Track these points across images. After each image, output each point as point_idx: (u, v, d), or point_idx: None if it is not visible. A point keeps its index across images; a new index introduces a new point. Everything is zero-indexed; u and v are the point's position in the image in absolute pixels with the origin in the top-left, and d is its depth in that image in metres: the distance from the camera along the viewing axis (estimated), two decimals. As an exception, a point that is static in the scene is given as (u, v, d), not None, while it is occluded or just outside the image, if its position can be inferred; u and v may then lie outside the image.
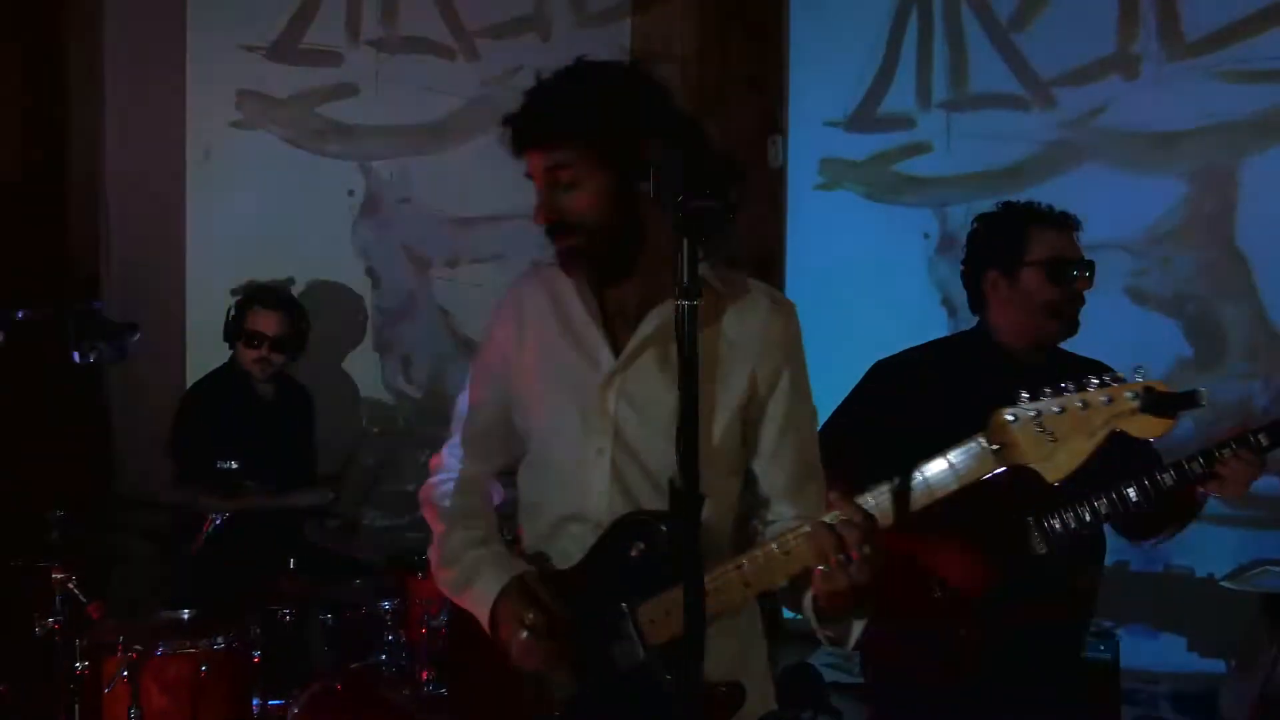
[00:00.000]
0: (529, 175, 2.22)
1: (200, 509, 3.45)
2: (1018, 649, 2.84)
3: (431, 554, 2.37)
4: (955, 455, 1.94)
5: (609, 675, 2.10)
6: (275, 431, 4.51)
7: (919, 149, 6.26)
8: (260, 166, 5.83)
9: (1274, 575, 4.43)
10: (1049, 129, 6.01)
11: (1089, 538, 2.93)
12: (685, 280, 1.74)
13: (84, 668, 3.49)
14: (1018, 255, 3.00)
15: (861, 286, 5.98)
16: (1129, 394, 1.83)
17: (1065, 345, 3.12)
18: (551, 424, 2.27)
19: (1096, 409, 1.84)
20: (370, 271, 5.99)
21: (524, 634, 2.10)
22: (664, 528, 2.09)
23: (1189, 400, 2.17)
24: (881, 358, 3.21)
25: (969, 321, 3.32)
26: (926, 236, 6.07)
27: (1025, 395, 1.88)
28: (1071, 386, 1.86)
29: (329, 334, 5.46)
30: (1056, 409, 1.86)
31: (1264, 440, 2.81)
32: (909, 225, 6.16)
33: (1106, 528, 3.05)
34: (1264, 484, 5.58)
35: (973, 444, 1.92)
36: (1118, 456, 2.94)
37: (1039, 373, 3.03)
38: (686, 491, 1.78)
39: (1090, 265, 3.03)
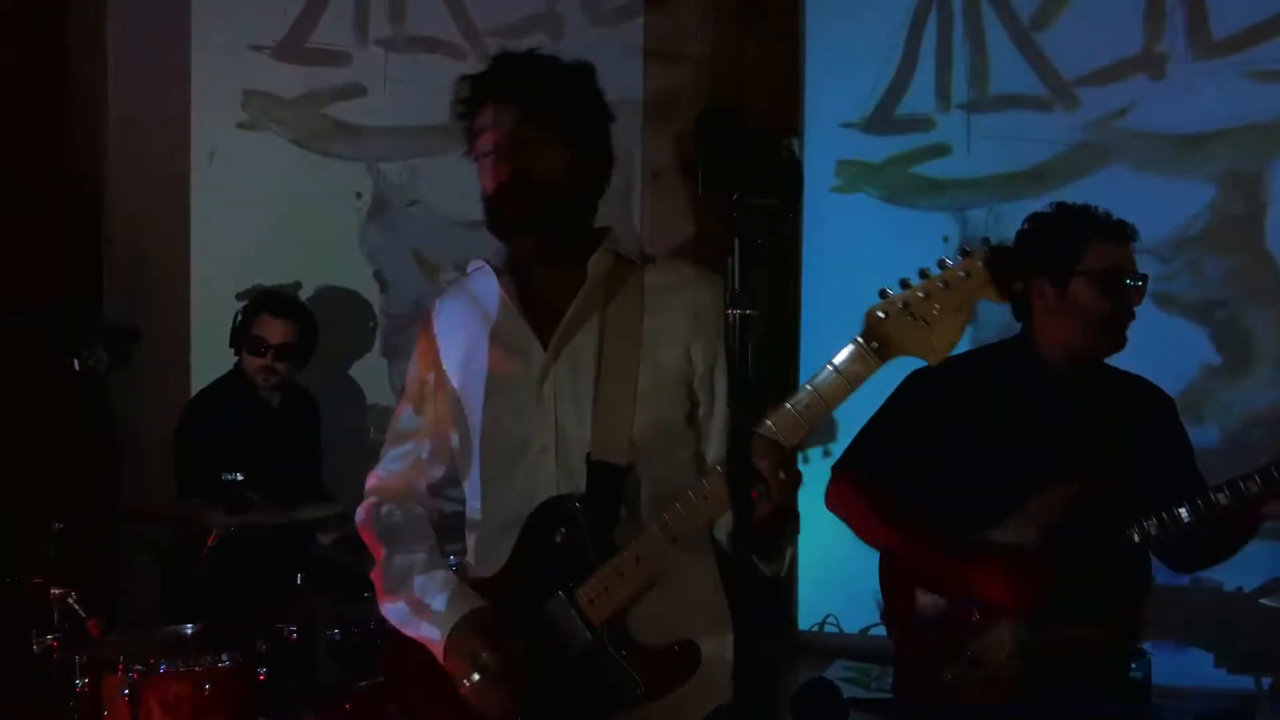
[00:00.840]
0: (479, 132, 2.26)
1: (204, 523, 3.36)
2: (1059, 671, 2.77)
3: (375, 578, 2.40)
4: (839, 360, 1.99)
5: (564, 663, 2.14)
6: (281, 441, 4.47)
7: (938, 151, 6.23)
8: (266, 168, 5.85)
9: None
10: (1072, 130, 5.97)
11: (1134, 560, 2.87)
12: (737, 287, 1.68)
13: (84, 685, 3.44)
14: (1070, 263, 2.93)
15: (877, 289, 5.94)
16: (980, 262, 1.92)
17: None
18: (493, 428, 2.31)
19: (956, 285, 1.92)
20: (378, 275, 6.01)
21: (475, 676, 2.16)
22: (578, 506, 2.17)
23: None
24: (918, 367, 3.11)
25: (989, 327, 3.25)
26: (946, 240, 6.01)
27: (889, 290, 1.98)
28: (928, 270, 1.95)
29: (336, 339, 5.46)
30: (921, 295, 1.94)
31: None
32: (928, 228, 6.11)
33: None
34: None
35: (852, 346, 1.98)
36: (1162, 478, 2.90)
37: (1081, 388, 3.00)
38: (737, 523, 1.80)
39: (1144, 277, 3.04)
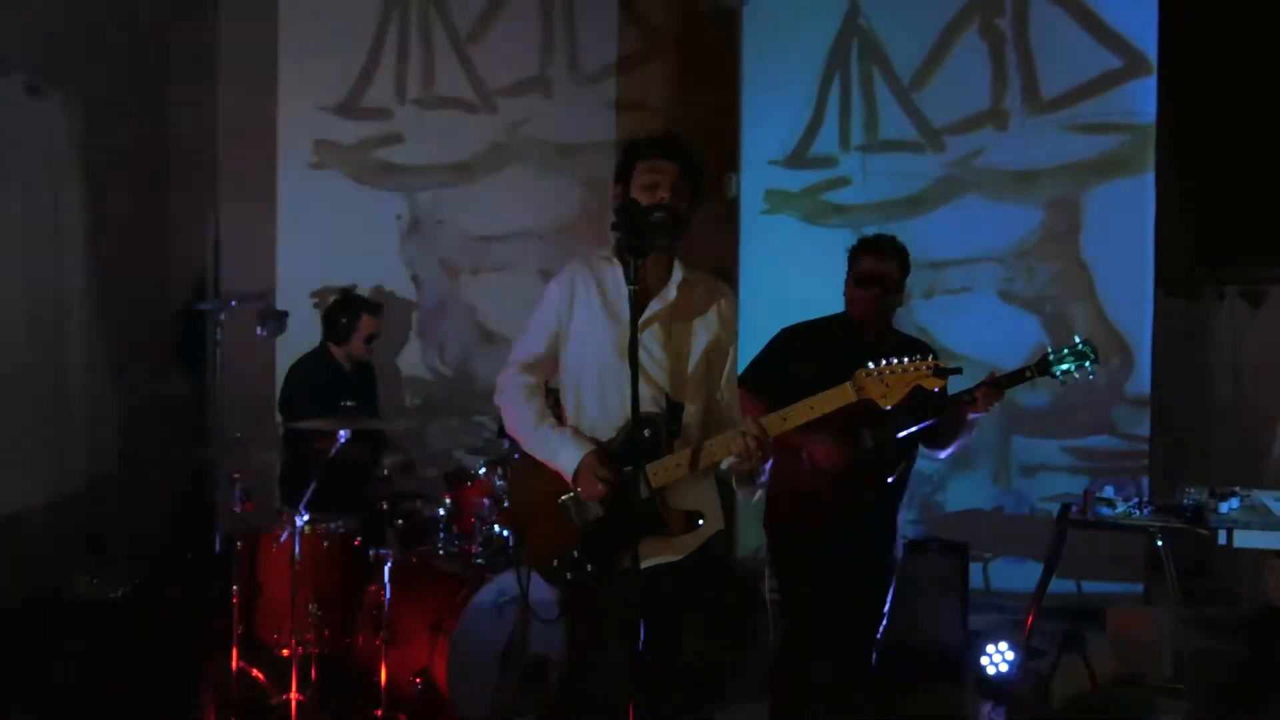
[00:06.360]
0: (651, 172, 3.28)
1: (331, 429, 4.84)
2: (856, 506, 4.20)
3: (518, 428, 3.44)
4: (833, 391, 3.23)
5: (630, 503, 3.21)
6: (353, 394, 5.61)
7: (841, 183, 7.34)
8: (331, 197, 6.97)
9: (1074, 498, 5.64)
10: (939, 167, 7.15)
11: (905, 441, 4.23)
12: (633, 278, 3.10)
13: (242, 545, 4.91)
14: (850, 267, 4.37)
15: (797, 290, 6.28)
16: (926, 366, 3.21)
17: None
18: (600, 360, 3.35)
19: (909, 371, 3.21)
20: (414, 278, 7.13)
21: (599, 485, 3.24)
22: (661, 421, 3.27)
23: (954, 370, 3.56)
24: (784, 326, 4.44)
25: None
26: (847, 250, 6.95)
27: (871, 363, 3.20)
28: (895, 359, 3.20)
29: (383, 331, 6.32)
30: (889, 371, 3.21)
31: (1004, 381, 4.18)
32: (833, 242, 6.57)
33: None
34: (1100, 440, 6.79)
35: (846, 385, 3.23)
36: (924, 397, 4.19)
37: (872, 340, 4.26)
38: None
39: (882, 282, 4.25)
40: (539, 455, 3.40)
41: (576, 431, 3.37)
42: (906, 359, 3.22)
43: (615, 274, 3.40)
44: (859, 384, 3.25)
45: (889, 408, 3.26)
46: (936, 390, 3.34)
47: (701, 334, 3.42)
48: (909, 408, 3.95)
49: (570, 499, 3.38)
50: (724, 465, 3.32)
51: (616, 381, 3.28)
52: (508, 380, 3.50)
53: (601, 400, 3.37)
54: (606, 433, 3.36)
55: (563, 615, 3.55)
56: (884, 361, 3.22)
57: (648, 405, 3.27)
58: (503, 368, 3.53)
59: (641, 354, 3.23)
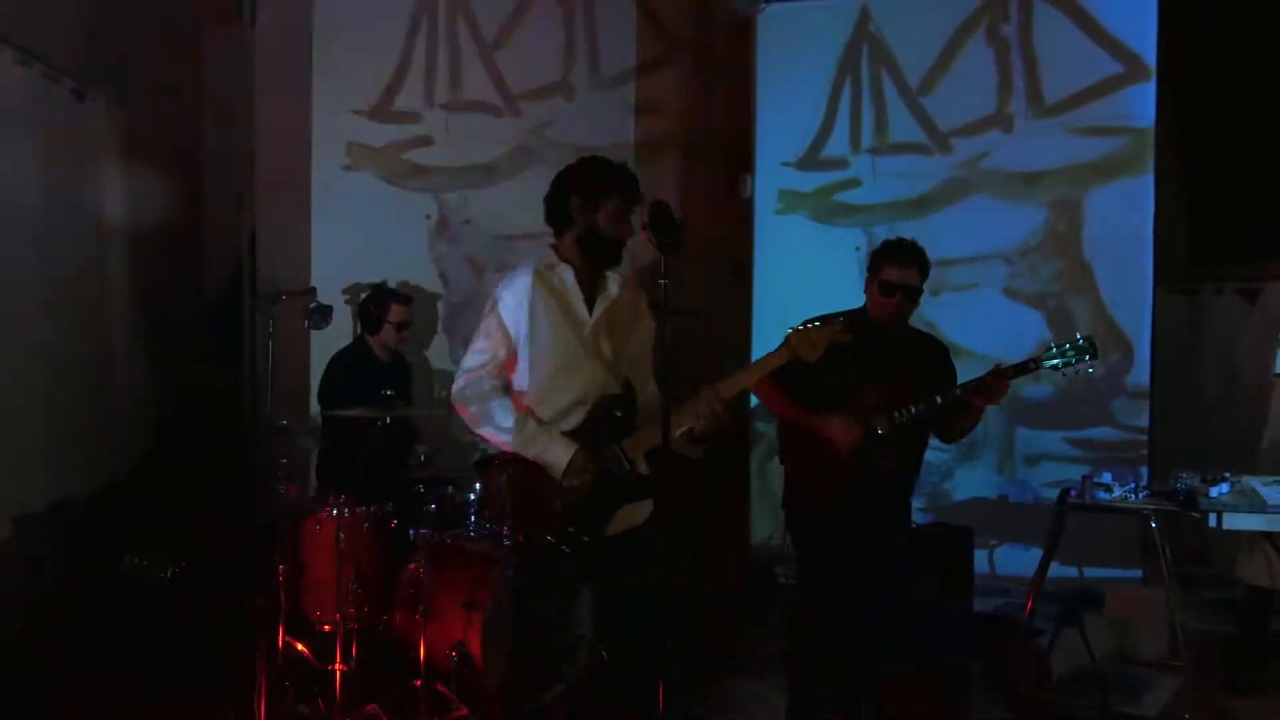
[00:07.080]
0: (626, 210, 3.72)
1: (371, 416, 5.12)
2: (872, 488, 4.44)
3: (495, 429, 3.77)
4: (769, 354, 3.66)
5: (613, 474, 3.71)
6: (389, 385, 5.80)
7: (851, 183, 7.56)
8: (363, 198, 7.19)
9: (1074, 484, 5.87)
10: (947, 169, 7.35)
11: (916, 427, 4.48)
12: (664, 273, 3.31)
13: (287, 527, 5.16)
14: (873, 271, 4.60)
15: (809, 286, 6.81)
16: (839, 326, 3.64)
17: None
18: (561, 353, 3.76)
19: (825, 330, 3.65)
20: (442, 275, 7.37)
21: (587, 475, 3.68)
22: (626, 402, 3.75)
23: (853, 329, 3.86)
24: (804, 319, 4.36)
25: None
26: (857, 249, 7.22)
27: (790, 328, 3.63)
28: (815, 322, 3.64)
29: (413, 320, 6.59)
30: (811, 330, 3.63)
31: (1009, 372, 4.41)
32: (844, 241, 7.43)
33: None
34: (1101, 431, 7.04)
35: (780, 348, 3.66)
36: (933, 385, 4.50)
37: (889, 336, 4.53)
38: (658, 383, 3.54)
39: (905, 291, 4.49)
40: (527, 453, 3.74)
41: (558, 430, 3.75)
42: (822, 321, 3.68)
43: (564, 277, 3.79)
44: (790, 345, 3.69)
45: (814, 364, 3.69)
46: (848, 346, 3.75)
47: (637, 326, 3.86)
48: (921, 394, 4.44)
49: (562, 487, 3.71)
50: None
51: (580, 371, 3.75)
52: (474, 385, 3.80)
53: (568, 389, 3.75)
54: (576, 417, 3.76)
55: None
56: (803, 325, 3.67)
57: (612, 390, 3.75)
58: (461, 373, 3.82)
59: (601, 346, 3.74)
